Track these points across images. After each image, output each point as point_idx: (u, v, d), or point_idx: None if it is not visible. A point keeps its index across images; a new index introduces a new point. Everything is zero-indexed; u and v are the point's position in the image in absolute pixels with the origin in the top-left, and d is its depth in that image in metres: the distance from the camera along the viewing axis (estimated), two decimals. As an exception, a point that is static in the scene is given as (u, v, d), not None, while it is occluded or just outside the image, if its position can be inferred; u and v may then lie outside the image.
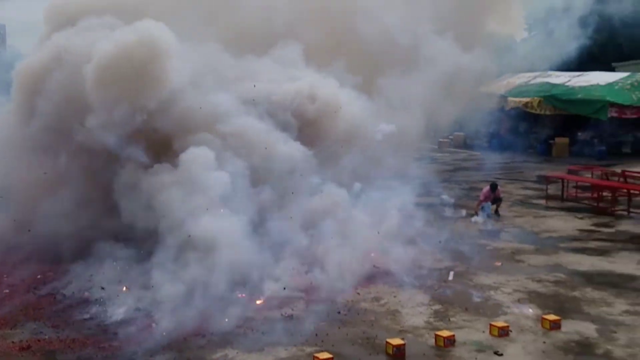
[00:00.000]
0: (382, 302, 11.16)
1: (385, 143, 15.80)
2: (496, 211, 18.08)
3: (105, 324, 10.02)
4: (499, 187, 18.30)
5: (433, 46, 18.06)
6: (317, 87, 15.24)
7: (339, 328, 9.99)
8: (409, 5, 19.12)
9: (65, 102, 13.10)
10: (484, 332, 9.79)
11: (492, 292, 11.64)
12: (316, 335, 9.69)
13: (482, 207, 17.47)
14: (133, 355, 8.96)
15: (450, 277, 12.45)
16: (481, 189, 18.53)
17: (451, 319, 10.37)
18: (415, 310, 10.76)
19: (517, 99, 34.38)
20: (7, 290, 11.50)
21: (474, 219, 17.19)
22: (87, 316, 10.33)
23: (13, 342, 9.32)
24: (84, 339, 9.47)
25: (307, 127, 14.83)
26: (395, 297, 11.40)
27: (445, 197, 18.33)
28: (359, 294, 11.50)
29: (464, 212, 17.90)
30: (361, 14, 18.25)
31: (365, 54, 18.06)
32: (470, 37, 19.71)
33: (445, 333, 9.49)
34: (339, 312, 10.62)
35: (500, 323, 9.82)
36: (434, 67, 17.65)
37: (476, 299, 11.28)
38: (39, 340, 9.40)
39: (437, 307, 10.94)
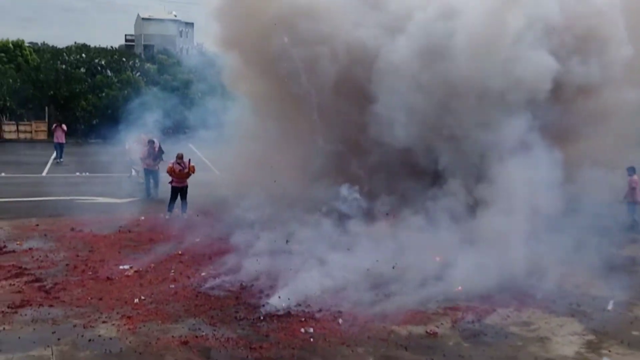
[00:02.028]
0: (533, 327, 10.87)
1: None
2: None
3: (257, 325, 10.57)
4: None
5: None
6: None
7: (484, 350, 9.88)
8: None
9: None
10: (638, 368, 9.29)
11: (653, 327, 10.95)
12: (459, 355, 9.65)
13: None
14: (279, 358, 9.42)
15: (610, 307, 11.82)
16: None
17: (604, 352, 9.89)
18: (566, 339, 10.37)
19: None
20: (173, 286, 12.44)
21: None
22: (241, 314, 10.95)
23: (173, 336, 10.07)
24: (237, 339, 10.05)
25: None
26: (547, 323, 11.06)
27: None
28: (508, 316, 11.26)
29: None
30: None
31: None
32: None
33: (595, 366, 9.10)
34: (486, 335, 10.48)
35: (656, 361, 9.26)
36: None
37: (635, 333, 10.66)
38: (196, 337, 10.09)
39: (590, 337, 10.48)
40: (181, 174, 18.36)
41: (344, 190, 14.57)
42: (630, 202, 18.22)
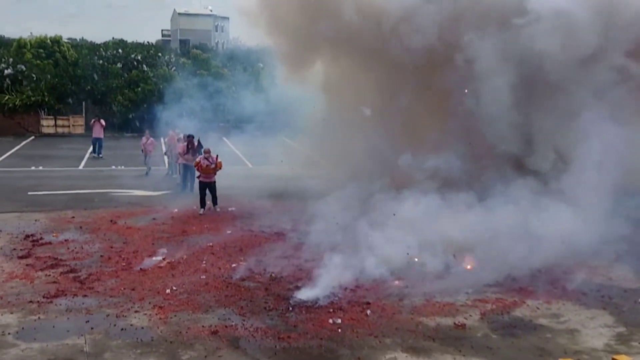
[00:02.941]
0: (562, 319, 10.80)
1: None
2: None
3: (286, 315, 10.70)
4: None
5: None
6: None
7: (512, 342, 9.85)
8: None
9: None
10: (668, 361, 9.18)
11: (686, 320, 10.80)
12: (487, 347, 9.65)
13: None
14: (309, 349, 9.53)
15: (642, 300, 11.70)
16: None
17: (634, 344, 9.80)
18: (596, 332, 10.29)
19: None
20: (204, 277, 12.64)
21: None
22: (271, 304, 11.11)
23: (203, 326, 10.24)
24: (266, 329, 10.18)
25: None
26: (577, 315, 10.98)
27: None
28: (538, 308, 11.21)
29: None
30: None
31: None
32: None
33: (624, 358, 8.99)
34: (514, 327, 10.44)
35: (686, 354, 9.14)
36: None
37: (667, 326, 10.54)
38: (226, 327, 10.25)
39: (621, 329, 10.39)
40: (208, 169, 18.35)
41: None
42: None
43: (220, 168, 18.50)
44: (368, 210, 14.93)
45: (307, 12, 18.39)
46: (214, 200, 18.66)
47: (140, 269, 13.03)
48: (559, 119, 15.18)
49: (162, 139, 24.51)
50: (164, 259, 13.66)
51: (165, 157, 25.82)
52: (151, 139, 25.24)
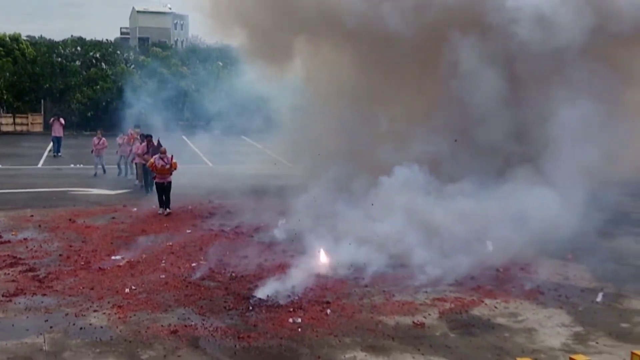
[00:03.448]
0: (520, 318, 10.94)
1: None
2: None
3: (246, 315, 10.66)
4: None
5: None
6: None
7: (470, 341, 9.96)
8: None
9: None
10: (624, 360, 9.38)
11: (640, 319, 11.06)
12: (445, 346, 9.74)
13: None
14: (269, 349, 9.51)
15: (599, 299, 11.90)
16: None
17: (591, 343, 9.98)
18: (553, 331, 10.44)
19: None
20: (164, 276, 12.52)
21: None
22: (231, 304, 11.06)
23: (162, 325, 10.14)
24: (225, 328, 10.12)
25: None
26: (535, 314, 11.14)
27: None
28: (496, 307, 11.35)
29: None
30: None
31: None
32: None
33: (581, 357, 9.11)
34: (473, 325, 10.56)
35: (641, 352, 9.32)
36: None
37: (623, 325, 10.75)
38: (185, 326, 10.15)
39: (578, 329, 10.56)
40: (163, 170, 17.82)
41: None
42: None
43: (175, 168, 18.07)
44: (328, 209, 15.01)
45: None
46: (167, 203, 18.02)
47: (99, 268, 12.85)
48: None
49: (117, 138, 23.89)
50: (123, 257, 13.49)
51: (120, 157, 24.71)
52: (103, 139, 24.25)
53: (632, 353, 9.25)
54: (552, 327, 10.60)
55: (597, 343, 10.01)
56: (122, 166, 23.83)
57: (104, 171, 24.08)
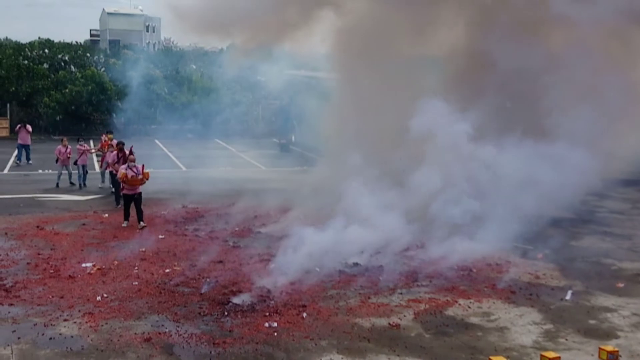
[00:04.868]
0: (493, 317, 11.06)
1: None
2: None
3: (221, 320, 10.61)
4: None
5: None
6: None
7: (445, 341, 10.03)
8: None
9: None
10: (592, 355, 9.51)
11: (608, 315, 11.24)
12: (420, 346, 9.79)
13: None
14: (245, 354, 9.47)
15: (568, 297, 12.07)
16: None
17: (561, 340, 10.12)
18: (524, 329, 10.57)
19: None
20: (136, 283, 12.41)
21: None
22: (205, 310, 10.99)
23: (135, 333, 10.05)
24: (200, 334, 10.06)
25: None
26: (507, 313, 11.26)
27: None
28: (469, 307, 11.44)
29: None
30: None
31: None
32: None
33: (551, 354, 9.28)
34: (447, 326, 10.63)
35: (609, 347, 9.48)
36: None
37: (591, 321, 10.93)
38: (159, 334, 10.07)
39: (548, 326, 10.71)
40: (134, 181, 16.58)
41: None
42: None
43: (147, 179, 16.83)
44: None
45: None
46: (139, 215, 16.73)
47: (69, 275, 12.69)
48: None
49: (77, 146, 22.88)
50: (94, 265, 13.33)
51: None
52: (69, 147, 22.78)
53: (600, 348, 9.51)
54: (523, 326, 10.74)
55: (566, 340, 10.17)
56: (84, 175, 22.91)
57: (72, 183, 22.90)
